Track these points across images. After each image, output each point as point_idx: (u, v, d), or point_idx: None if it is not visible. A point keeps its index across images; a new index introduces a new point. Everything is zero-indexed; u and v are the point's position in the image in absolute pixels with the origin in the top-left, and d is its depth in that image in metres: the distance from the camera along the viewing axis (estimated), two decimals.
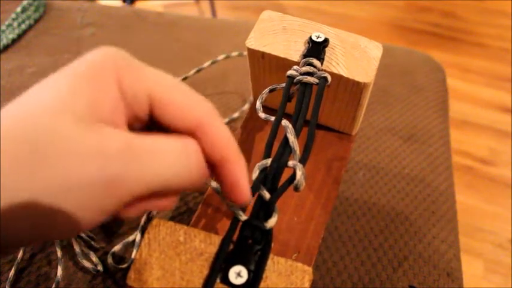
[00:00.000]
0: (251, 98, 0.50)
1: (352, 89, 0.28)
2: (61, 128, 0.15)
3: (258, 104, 0.28)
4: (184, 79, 0.46)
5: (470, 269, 0.99)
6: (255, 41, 0.30)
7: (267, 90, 0.28)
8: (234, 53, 0.46)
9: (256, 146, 0.33)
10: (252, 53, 0.30)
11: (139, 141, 0.17)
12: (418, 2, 1.81)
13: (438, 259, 0.36)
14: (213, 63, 0.46)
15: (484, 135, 1.27)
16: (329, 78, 0.27)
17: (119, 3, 1.68)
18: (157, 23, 0.66)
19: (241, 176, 0.20)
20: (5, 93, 0.52)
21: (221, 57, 0.46)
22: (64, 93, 0.16)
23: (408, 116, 0.50)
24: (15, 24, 0.61)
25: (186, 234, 0.20)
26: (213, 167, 0.20)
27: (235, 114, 0.48)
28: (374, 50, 0.28)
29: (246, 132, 0.34)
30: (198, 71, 0.46)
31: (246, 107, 0.49)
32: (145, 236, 0.20)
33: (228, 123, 0.48)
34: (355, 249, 0.36)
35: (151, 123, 0.19)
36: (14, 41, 0.60)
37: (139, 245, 0.19)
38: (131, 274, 0.19)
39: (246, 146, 0.33)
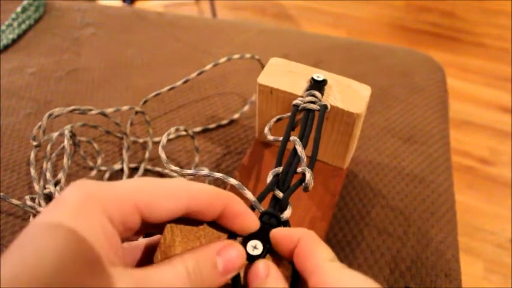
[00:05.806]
0: (252, 99, 0.50)
1: (347, 120, 0.33)
2: (75, 279, 0.15)
3: (267, 130, 0.32)
4: (186, 82, 0.46)
5: (470, 269, 0.99)
6: (265, 79, 0.35)
7: (274, 119, 0.33)
8: (236, 56, 0.46)
9: (263, 172, 0.38)
10: (262, 88, 0.35)
11: (146, 276, 0.17)
12: (418, 2, 1.81)
13: (436, 260, 0.37)
14: (214, 65, 0.46)
15: (484, 135, 1.27)
16: (329, 106, 0.32)
17: (119, 3, 1.68)
18: (157, 23, 0.66)
19: (243, 207, 0.21)
20: (5, 93, 0.52)
21: (223, 59, 0.46)
22: (70, 239, 0.16)
23: (408, 116, 0.50)
24: (15, 24, 0.61)
25: (205, 223, 0.22)
26: (218, 218, 0.21)
27: (236, 115, 0.48)
28: (363, 91, 0.34)
29: (251, 163, 0.39)
30: (199, 74, 0.46)
31: (246, 108, 0.49)
32: (168, 225, 0.21)
33: (228, 124, 0.48)
34: (352, 253, 0.37)
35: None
36: (14, 41, 0.60)
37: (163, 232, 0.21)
38: (158, 254, 0.20)
39: (251, 173, 0.38)
